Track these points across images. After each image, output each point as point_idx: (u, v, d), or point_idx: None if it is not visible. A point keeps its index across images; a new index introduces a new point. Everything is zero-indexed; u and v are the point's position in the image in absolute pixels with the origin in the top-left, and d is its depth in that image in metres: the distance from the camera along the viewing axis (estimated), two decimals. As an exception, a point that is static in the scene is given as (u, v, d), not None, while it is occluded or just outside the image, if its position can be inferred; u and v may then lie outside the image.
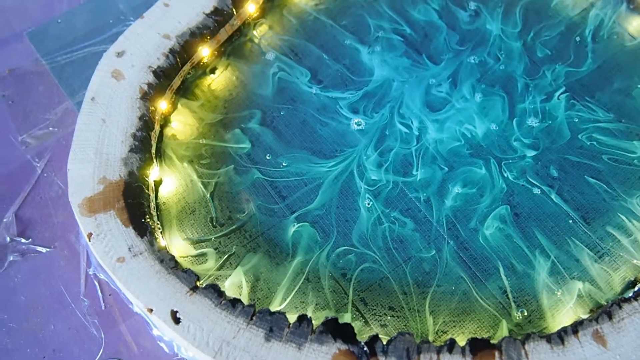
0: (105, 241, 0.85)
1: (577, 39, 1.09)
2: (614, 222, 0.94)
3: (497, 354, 0.79)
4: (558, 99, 1.03)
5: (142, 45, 0.98)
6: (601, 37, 1.09)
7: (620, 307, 0.83)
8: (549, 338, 0.80)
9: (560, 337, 0.81)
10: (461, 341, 0.82)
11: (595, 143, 1.00)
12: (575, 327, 0.82)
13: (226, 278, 0.90)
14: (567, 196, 0.96)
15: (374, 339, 0.80)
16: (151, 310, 0.82)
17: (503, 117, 1.02)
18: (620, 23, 1.11)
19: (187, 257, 0.92)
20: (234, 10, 1.03)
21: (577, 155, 0.99)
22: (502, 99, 1.04)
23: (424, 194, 0.96)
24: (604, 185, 0.97)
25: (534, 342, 0.80)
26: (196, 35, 1.00)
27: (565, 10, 1.12)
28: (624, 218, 0.94)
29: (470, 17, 1.11)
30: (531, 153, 0.99)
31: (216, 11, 1.02)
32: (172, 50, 0.98)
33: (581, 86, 1.05)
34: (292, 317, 0.83)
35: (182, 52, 0.99)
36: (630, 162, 0.98)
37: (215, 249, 0.93)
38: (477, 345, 0.80)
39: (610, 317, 0.82)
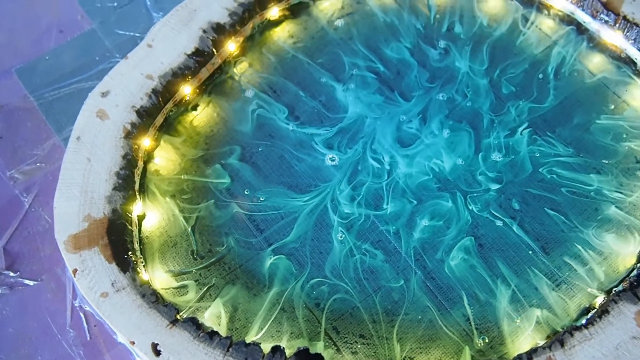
0: (90, 277, 0.90)
1: (540, 76, 1.15)
2: (571, 252, 1.00)
3: (458, 381, 0.85)
4: (521, 134, 1.09)
5: (125, 86, 1.03)
6: (563, 74, 1.16)
7: (572, 335, 0.89)
8: (506, 366, 0.86)
9: (517, 364, 0.86)
10: (425, 369, 0.87)
11: (555, 176, 1.06)
12: (530, 355, 0.88)
13: (206, 309, 0.96)
14: (528, 227, 1.02)
15: (344, 368, 0.85)
16: (133, 343, 0.87)
17: (469, 152, 1.08)
18: (581, 60, 1.17)
19: (168, 289, 0.97)
20: (214, 50, 1.09)
21: (538, 188, 1.05)
22: (469, 134, 1.10)
23: (394, 227, 1.02)
24: (562, 217, 1.03)
25: (492, 370, 0.86)
26: (178, 75, 1.05)
27: (530, 48, 1.18)
28: (580, 248, 1.00)
29: (440, 55, 1.17)
30: (495, 186, 1.05)
31: (197, 52, 1.07)
32: (154, 90, 1.03)
33: (543, 121, 1.11)
34: (266, 347, 0.88)
35: (164, 92, 1.04)
36: (587, 194, 1.05)
37: (196, 280, 0.98)
38: (439, 373, 0.85)
39: (562, 344, 0.88)
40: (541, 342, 0.92)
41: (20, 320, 0.96)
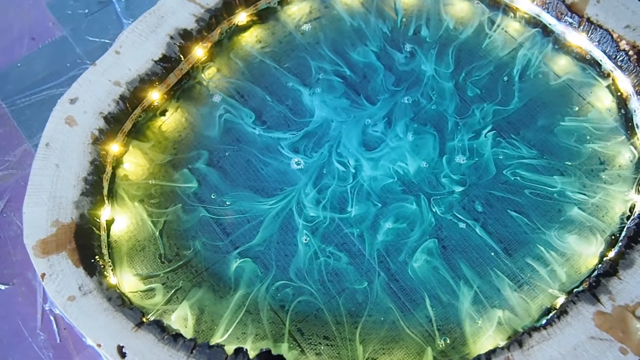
0: (58, 281, 0.92)
1: (505, 78, 1.17)
2: (534, 254, 1.02)
3: (415, 381, 0.87)
4: (485, 136, 1.11)
5: (93, 92, 1.05)
6: (528, 76, 1.17)
7: (530, 336, 0.91)
8: (463, 366, 0.88)
9: (474, 364, 0.88)
10: (384, 370, 0.89)
11: (519, 178, 1.08)
12: (489, 355, 0.90)
13: (173, 312, 0.97)
14: (491, 229, 1.04)
15: (303, 369, 0.87)
16: (99, 345, 0.89)
17: (434, 155, 1.10)
18: (547, 62, 1.19)
19: (136, 292, 0.99)
20: (181, 56, 1.10)
21: (501, 190, 1.07)
22: (434, 137, 1.11)
23: (358, 230, 1.04)
24: (525, 219, 1.05)
25: (449, 370, 0.88)
26: (145, 81, 1.07)
27: (496, 51, 1.20)
28: (542, 249, 1.02)
29: (406, 58, 1.19)
30: (459, 189, 1.07)
31: (164, 58, 1.09)
32: (122, 97, 1.05)
33: (508, 124, 1.13)
34: (230, 349, 0.90)
35: (131, 98, 1.06)
36: (551, 196, 1.06)
37: (163, 284, 1.00)
38: (397, 373, 0.87)
39: (520, 345, 0.90)
40: (502, 343, 0.94)
41: (-9, 324, 0.98)
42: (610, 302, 0.92)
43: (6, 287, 1.02)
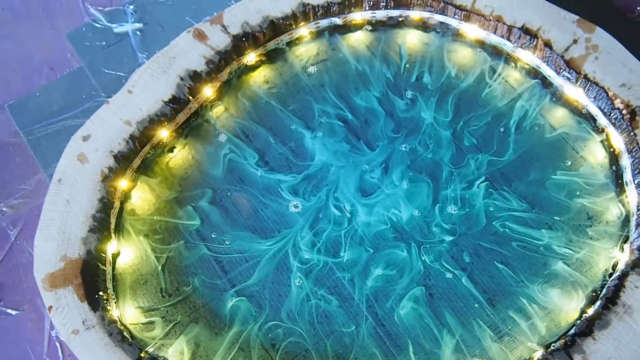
0: (63, 314, 0.98)
1: (502, 129, 1.21)
2: (516, 306, 1.07)
3: None
4: (478, 187, 1.15)
5: (105, 131, 1.11)
6: (524, 128, 1.21)
7: (504, 391, 0.96)
8: (438, 417, 0.93)
9: (448, 416, 0.94)
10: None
11: (507, 230, 1.12)
12: (463, 408, 0.95)
13: (170, 345, 1.04)
14: (477, 279, 1.09)
15: (288, 412, 0.93)
16: (99, 378, 0.95)
17: (427, 203, 1.14)
18: (544, 114, 1.22)
19: (137, 324, 1.05)
20: (190, 98, 1.15)
21: (489, 241, 1.11)
22: (428, 185, 1.16)
23: (350, 274, 1.09)
24: (511, 271, 1.09)
25: (425, 420, 0.93)
26: (154, 121, 1.12)
27: (495, 100, 1.24)
28: (525, 302, 1.07)
29: (407, 105, 1.23)
30: (449, 238, 1.12)
31: (174, 99, 1.14)
32: (132, 136, 1.11)
33: (501, 175, 1.17)
34: (221, 388, 0.96)
35: (141, 137, 1.12)
36: (537, 249, 1.11)
37: (163, 317, 1.06)
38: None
39: (494, 399, 0.95)
40: (479, 392, 0.99)
41: (1, 346, 1.05)
42: (584, 363, 0.96)
43: (16, 312, 1.09)
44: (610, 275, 1.07)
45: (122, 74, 1.24)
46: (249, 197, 1.11)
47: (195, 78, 1.16)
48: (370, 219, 1.13)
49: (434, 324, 1.05)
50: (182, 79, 1.16)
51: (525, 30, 1.21)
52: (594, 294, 1.06)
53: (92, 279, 1.02)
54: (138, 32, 1.26)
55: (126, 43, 1.26)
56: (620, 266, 1.07)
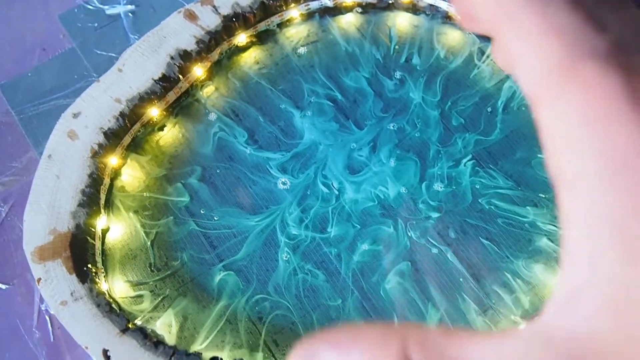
0: (52, 286, 1.00)
1: (489, 109, 1.22)
2: (501, 281, 1.08)
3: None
4: (464, 165, 1.17)
5: (96, 108, 1.12)
6: (511, 108, 1.22)
7: None
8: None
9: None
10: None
11: (493, 207, 1.13)
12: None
13: (159, 318, 1.05)
14: (463, 255, 1.10)
15: (272, 381, 0.94)
16: (87, 348, 0.96)
17: (414, 181, 1.16)
18: (531, 95, 1.23)
19: (126, 297, 1.06)
20: (180, 76, 1.17)
21: (475, 218, 1.13)
22: (415, 163, 1.17)
23: (336, 249, 1.10)
24: (496, 247, 1.10)
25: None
26: (144, 99, 1.14)
27: (482, 82, 1.25)
28: (509, 277, 1.08)
29: (396, 85, 1.24)
30: (435, 215, 1.13)
31: (164, 78, 1.15)
32: (122, 114, 1.12)
33: (487, 154, 1.18)
34: (207, 357, 0.98)
35: (131, 115, 1.13)
36: (522, 226, 1.12)
37: (151, 291, 1.07)
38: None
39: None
40: (463, 364, 1.00)
41: (-9, 320, 1.06)
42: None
43: (6, 287, 1.10)
44: (595, 251, 1.08)
45: (113, 54, 1.25)
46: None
47: (186, 57, 1.18)
48: (358, 196, 1.14)
49: (419, 298, 1.06)
50: (172, 57, 1.17)
51: (511, 11, 1.22)
52: (578, 270, 1.07)
53: (81, 252, 1.03)
54: (130, 14, 1.27)
55: (118, 25, 1.27)
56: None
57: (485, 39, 1.29)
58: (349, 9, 1.32)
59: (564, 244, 0.29)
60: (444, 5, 1.30)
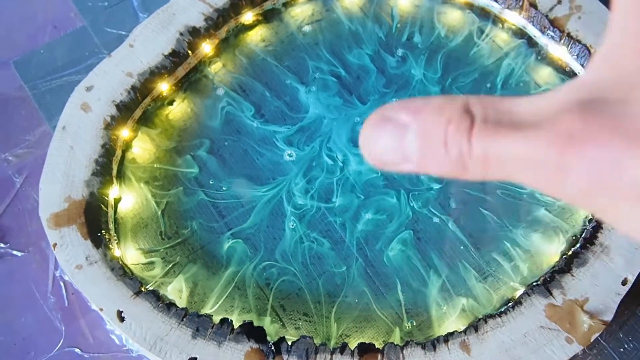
0: (67, 251, 1.03)
1: (488, 85, 1.26)
2: (500, 249, 1.12)
3: (379, 356, 0.98)
4: (465, 139, 1.20)
5: (108, 82, 1.15)
6: (510, 84, 1.26)
7: (486, 322, 1.01)
8: (423, 345, 0.99)
9: (433, 344, 0.99)
10: (353, 345, 1.00)
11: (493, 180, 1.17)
12: (447, 337, 1.00)
13: (169, 283, 1.09)
14: (463, 225, 1.14)
15: (281, 340, 0.98)
16: (102, 309, 1.00)
17: (416, 154, 1.19)
18: (529, 72, 1.27)
19: (138, 264, 1.10)
20: (189, 52, 1.20)
21: (475, 189, 1.17)
22: (417, 137, 1.20)
23: (341, 219, 1.14)
24: (495, 217, 1.14)
25: (410, 348, 0.98)
26: (155, 73, 1.17)
27: (482, 59, 1.29)
28: (509, 246, 1.12)
29: (398, 62, 1.28)
30: (436, 186, 1.17)
31: (173, 53, 1.19)
32: (133, 87, 1.16)
33: (487, 128, 1.22)
34: (217, 319, 1.01)
35: (142, 88, 1.16)
36: (521, 197, 1.16)
37: (162, 258, 1.11)
38: (364, 348, 0.98)
39: (476, 329, 1.00)
40: (463, 327, 1.04)
41: (8, 286, 1.10)
42: (562, 296, 1.01)
43: (22, 254, 1.13)
44: (590, 221, 1.12)
45: (123, 33, 1.28)
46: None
47: (194, 34, 1.21)
48: (362, 167, 1.18)
49: (421, 265, 1.10)
50: (181, 34, 1.21)
51: (511, -9, 1.26)
52: (573, 238, 1.11)
53: (95, 219, 1.07)
54: (139, -7, 1.30)
55: (128, 3, 1.30)
56: (600, 212, 1.12)
57: (485, 18, 1.33)
58: (352, -11, 1.35)
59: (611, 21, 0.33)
60: (444, -14, 1.33)
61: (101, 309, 1.00)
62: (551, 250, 1.11)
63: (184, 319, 0.99)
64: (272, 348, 0.97)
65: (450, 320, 1.06)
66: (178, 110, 1.24)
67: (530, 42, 1.29)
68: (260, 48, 1.30)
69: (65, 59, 1.29)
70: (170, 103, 1.24)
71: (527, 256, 1.11)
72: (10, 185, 1.19)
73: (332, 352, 0.97)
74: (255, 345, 0.97)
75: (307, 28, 1.31)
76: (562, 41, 1.24)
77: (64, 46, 1.30)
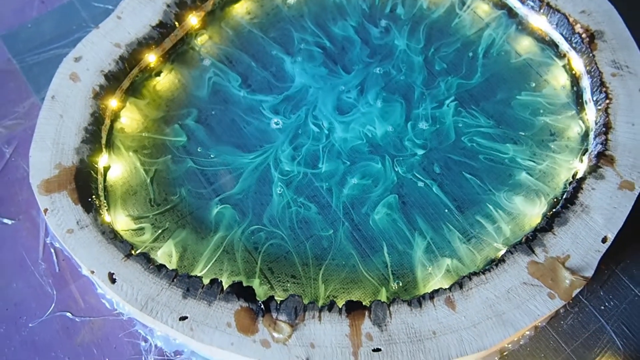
0: (58, 216, 1.05)
1: (470, 54, 1.28)
2: (483, 212, 1.15)
3: (367, 313, 1.00)
4: (447, 106, 1.23)
5: (96, 52, 1.17)
6: (491, 54, 1.29)
7: (470, 279, 1.03)
8: (410, 302, 1.01)
9: (419, 301, 1.01)
10: (341, 303, 1.02)
11: (475, 145, 1.20)
12: (432, 294, 1.02)
13: (159, 248, 1.10)
14: (447, 189, 1.16)
15: (270, 299, 1.00)
16: (93, 272, 1.02)
17: (400, 121, 1.22)
18: (510, 42, 1.30)
19: (128, 230, 1.12)
20: (176, 23, 1.22)
21: (458, 154, 1.19)
22: (401, 105, 1.23)
23: (327, 184, 1.16)
24: (478, 181, 1.17)
25: (397, 305, 1.00)
26: (143, 44, 1.19)
27: (464, 30, 1.31)
28: (492, 208, 1.15)
29: (381, 33, 1.31)
30: (420, 152, 1.19)
31: (161, 24, 1.20)
32: (121, 57, 1.17)
33: (469, 96, 1.25)
34: (206, 280, 1.03)
35: (130, 59, 1.18)
36: (503, 161, 1.18)
37: (152, 224, 1.13)
38: (351, 306, 1.00)
39: (461, 286, 1.02)
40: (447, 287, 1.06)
41: (-1, 253, 1.11)
42: (544, 254, 1.04)
43: (12, 222, 1.15)
44: (571, 184, 1.15)
45: (110, 7, 1.30)
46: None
47: (181, 5, 1.23)
48: (347, 134, 1.20)
49: (406, 228, 1.13)
50: (168, 6, 1.22)
51: (491, -39, 1.29)
52: (555, 200, 1.14)
53: (85, 185, 1.08)
54: (125, -32, 1.31)
55: (114, -22, 1.31)
56: (580, 174, 1.15)
57: (467, -10, 1.35)
58: (336, -37, 1.37)
59: None
60: (427, -41, 1.36)
61: (92, 272, 1.01)
62: (533, 212, 1.14)
63: (175, 280, 1.01)
64: (262, 306, 0.99)
65: (436, 281, 1.09)
66: (165, 81, 1.25)
67: (511, 13, 1.32)
68: (246, 20, 1.32)
69: (53, 33, 1.30)
70: (158, 74, 1.25)
71: (510, 218, 1.13)
72: (0, 155, 1.20)
73: (321, 310, 0.99)
74: (245, 304, 0.99)
75: (292, 1, 1.33)
76: (541, 11, 1.27)
77: (52, 20, 1.31)
